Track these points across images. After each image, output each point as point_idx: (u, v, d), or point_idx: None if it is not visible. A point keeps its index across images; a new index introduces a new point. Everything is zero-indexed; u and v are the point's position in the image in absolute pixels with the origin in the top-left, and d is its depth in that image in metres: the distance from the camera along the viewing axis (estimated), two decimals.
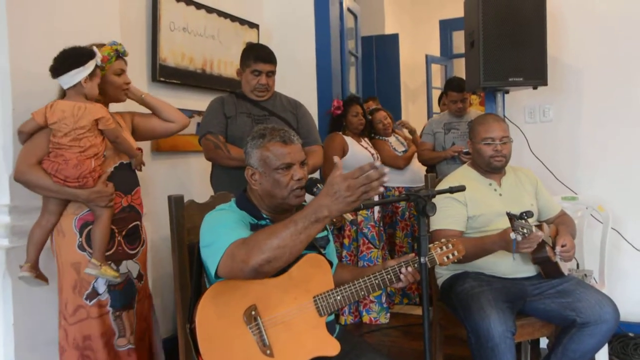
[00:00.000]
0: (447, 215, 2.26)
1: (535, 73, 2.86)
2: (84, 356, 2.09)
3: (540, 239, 2.03)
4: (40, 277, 2.12)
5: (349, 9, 4.42)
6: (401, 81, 6.45)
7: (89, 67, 2.05)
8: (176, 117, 2.40)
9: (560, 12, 3.12)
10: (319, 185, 1.71)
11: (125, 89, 2.28)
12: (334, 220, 3.56)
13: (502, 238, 2.06)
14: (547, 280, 2.26)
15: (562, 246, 2.22)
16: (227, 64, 3.63)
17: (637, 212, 3.03)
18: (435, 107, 5.68)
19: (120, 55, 2.22)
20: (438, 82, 6.74)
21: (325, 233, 1.87)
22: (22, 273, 2.07)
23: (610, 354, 2.66)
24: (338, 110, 3.75)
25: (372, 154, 3.78)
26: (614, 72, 3.06)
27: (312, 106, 3.74)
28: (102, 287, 2.12)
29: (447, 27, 6.79)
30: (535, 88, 2.96)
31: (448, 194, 1.94)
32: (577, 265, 2.84)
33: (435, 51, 6.86)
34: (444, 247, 1.83)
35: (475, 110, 4.07)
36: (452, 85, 3.82)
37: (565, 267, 2.32)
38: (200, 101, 3.33)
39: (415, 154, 4.06)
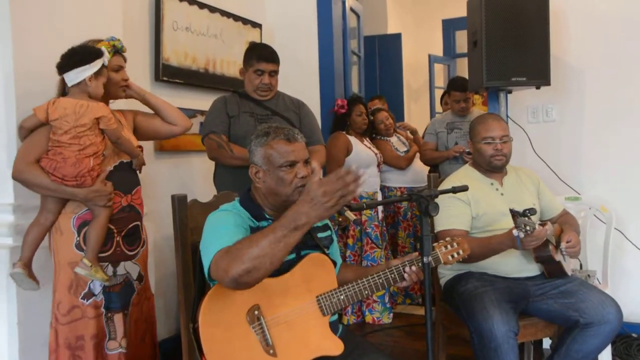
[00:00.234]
0: (452, 215, 2.26)
1: (538, 73, 2.86)
2: (75, 356, 2.06)
3: (545, 234, 2.03)
4: (32, 277, 2.09)
5: (351, 9, 4.41)
6: (404, 81, 6.45)
7: (95, 65, 2.04)
8: (178, 119, 2.38)
9: (563, 12, 3.11)
10: None
11: (124, 85, 2.25)
12: (339, 220, 3.56)
13: (508, 237, 2.07)
14: (550, 280, 2.25)
15: (568, 242, 2.21)
16: (230, 63, 3.64)
17: None
18: (438, 107, 5.67)
19: (118, 51, 2.19)
20: (441, 81, 6.73)
21: (328, 233, 1.87)
22: (15, 270, 2.06)
23: (613, 355, 2.66)
24: (342, 109, 3.75)
25: (376, 154, 3.78)
26: (617, 72, 3.06)
27: (314, 106, 3.74)
28: (97, 288, 2.10)
29: (449, 27, 6.78)
30: (538, 88, 2.96)
31: (452, 194, 1.93)
32: (580, 265, 2.84)
33: (438, 51, 6.85)
34: (449, 246, 1.82)
35: (478, 110, 4.07)
36: (455, 85, 3.82)
37: (569, 268, 2.31)
38: (203, 101, 3.34)
39: (418, 154, 4.05)
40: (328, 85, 4.05)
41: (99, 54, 2.06)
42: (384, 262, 3.58)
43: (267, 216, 1.73)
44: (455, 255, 1.81)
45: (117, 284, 2.15)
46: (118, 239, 2.15)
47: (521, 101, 3.26)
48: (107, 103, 2.23)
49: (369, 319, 3.61)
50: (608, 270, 2.78)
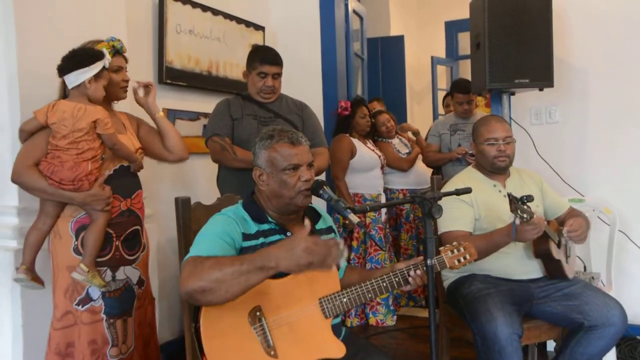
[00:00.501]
0: (455, 216, 2.26)
1: (541, 75, 2.85)
2: None
3: (544, 222, 2.02)
4: (36, 279, 2.09)
5: (354, 11, 4.42)
6: (406, 83, 6.45)
7: (95, 68, 2.03)
8: (176, 148, 2.33)
9: (566, 14, 3.11)
10: (325, 187, 1.71)
11: (124, 86, 2.23)
12: (346, 222, 3.57)
13: (509, 229, 2.05)
14: (554, 282, 2.25)
15: (570, 225, 2.19)
16: (233, 66, 3.65)
17: None
18: (441, 109, 5.68)
19: (118, 51, 2.17)
20: (443, 83, 6.73)
21: (332, 235, 1.87)
22: (18, 275, 2.06)
23: (618, 357, 2.65)
24: (346, 112, 3.75)
25: (379, 156, 3.78)
26: (620, 73, 3.05)
27: (317, 108, 3.75)
28: (96, 293, 2.07)
29: (452, 29, 6.78)
30: (541, 90, 2.95)
31: (455, 196, 1.93)
32: (584, 267, 2.83)
33: (441, 53, 6.85)
34: (455, 250, 1.80)
35: (481, 111, 4.06)
36: (458, 86, 3.82)
37: (571, 271, 2.31)
38: (206, 103, 3.35)
39: (420, 156, 4.05)
40: (331, 88, 4.05)
41: (99, 57, 2.05)
42: (387, 264, 3.58)
43: (270, 219, 1.73)
44: (462, 259, 1.79)
45: (117, 289, 2.13)
46: (117, 243, 2.13)
47: (524, 103, 3.26)
48: (109, 105, 2.23)
49: (372, 321, 3.61)
50: (612, 272, 2.77)
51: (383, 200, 3.78)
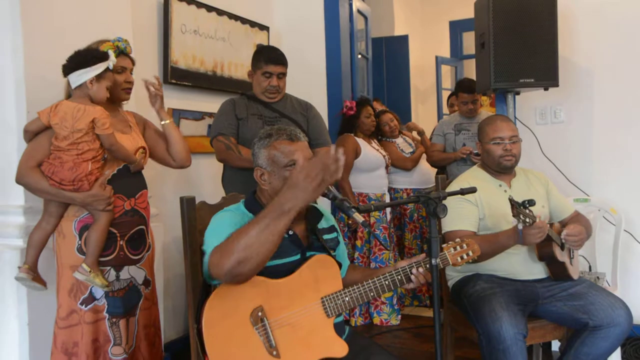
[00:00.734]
0: (459, 216, 2.25)
1: (546, 74, 2.85)
2: None
3: (545, 225, 2.02)
4: (38, 280, 2.09)
5: (358, 11, 4.42)
6: (411, 82, 6.44)
7: (97, 68, 2.02)
8: (180, 157, 2.33)
9: (572, 13, 3.10)
10: (330, 187, 1.71)
11: (125, 88, 2.21)
12: (350, 222, 3.57)
13: (514, 231, 2.06)
14: (559, 282, 2.24)
15: (570, 230, 2.18)
16: (238, 66, 3.65)
17: None
18: (445, 109, 5.67)
19: (122, 52, 2.16)
20: (448, 83, 6.73)
21: (334, 234, 1.87)
22: (19, 274, 2.06)
23: (623, 357, 2.64)
24: (351, 111, 3.75)
25: (384, 156, 3.78)
26: (626, 72, 3.04)
27: (322, 107, 3.75)
28: (99, 292, 2.07)
29: (457, 28, 6.77)
30: (546, 89, 2.95)
31: (460, 195, 1.93)
32: (590, 267, 2.82)
33: (445, 52, 6.85)
34: (458, 247, 1.78)
35: (485, 111, 4.06)
36: (463, 86, 3.81)
37: (576, 272, 2.30)
38: (211, 103, 3.36)
39: (425, 155, 4.05)
40: (335, 87, 4.06)
41: (103, 57, 2.04)
42: (392, 263, 3.57)
43: None
44: (465, 256, 1.77)
45: (120, 289, 2.13)
46: (121, 243, 2.13)
47: (529, 102, 3.25)
48: (115, 105, 2.23)
49: (376, 320, 3.61)
50: (617, 272, 2.76)
51: (387, 199, 3.78)
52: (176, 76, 3.20)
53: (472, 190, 1.89)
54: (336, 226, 1.92)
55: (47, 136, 2.03)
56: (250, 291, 1.57)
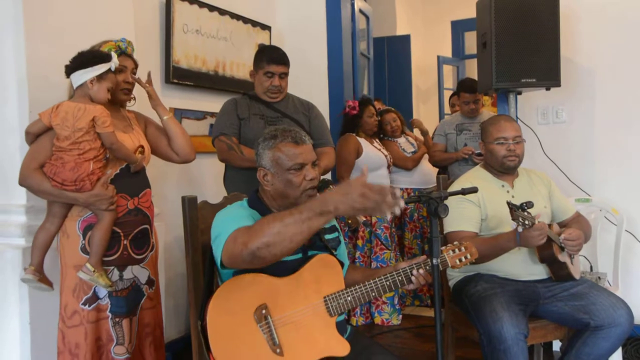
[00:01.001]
0: (462, 216, 2.26)
1: (548, 74, 2.85)
2: None
3: (545, 227, 2.01)
4: (44, 281, 2.10)
5: (360, 11, 4.42)
6: (413, 82, 6.45)
7: (98, 69, 2.02)
8: (183, 152, 2.32)
9: (574, 12, 3.10)
10: (331, 186, 1.72)
11: (124, 88, 2.20)
12: (350, 222, 3.57)
13: (515, 233, 2.05)
14: (560, 282, 2.24)
15: (568, 234, 2.18)
16: (240, 65, 3.66)
17: None
18: (447, 108, 5.66)
19: (123, 52, 2.16)
20: (450, 83, 6.72)
21: (336, 234, 1.88)
22: (26, 276, 2.06)
23: (624, 358, 2.64)
24: (354, 111, 3.75)
25: (386, 156, 3.78)
26: (628, 73, 3.04)
27: (323, 107, 3.75)
28: (103, 292, 2.08)
29: (458, 28, 6.77)
30: (548, 89, 2.95)
31: (462, 195, 1.93)
32: (591, 267, 2.83)
33: (447, 52, 6.85)
34: (457, 250, 1.82)
35: (487, 111, 4.06)
36: (465, 86, 3.81)
37: (577, 271, 2.30)
38: (213, 102, 3.36)
39: (426, 156, 4.05)
40: (337, 87, 4.06)
41: (105, 58, 2.04)
42: (393, 263, 3.58)
43: None
44: (464, 259, 1.81)
45: (124, 289, 2.13)
46: (125, 242, 2.12)
47: (531, 102, 3.25)
48: (116, 107, 2.22)
49: (377, 320, 3.61)
50: (619, 272, 2.76)
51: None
52: (178, 76, 3.20)
53: (474, 190, 1.89)
54: (337, 227, 1.93)
55: (48, 137, 2.03)
56: (254, 289, 1.59)
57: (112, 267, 2.10)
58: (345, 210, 1.45)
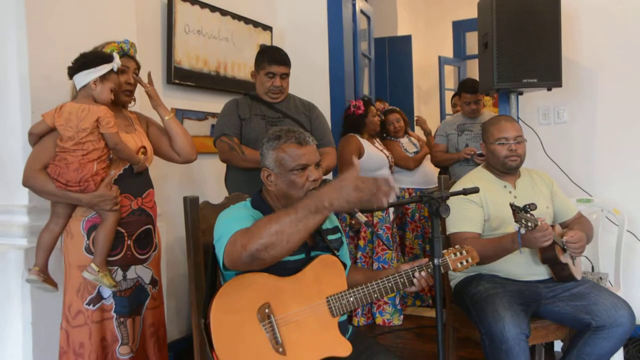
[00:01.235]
0: (465, 217, 2.25)
1: (549, 74, 2.84)
2: None
3: (549, 228, 2.01)
4: (49, 281, 2.10)
5: (361, 11, 4.43)
6: (414, 82, 6.44)
7: (100, 70, 2.03)
8: (185, 152, 2.33)
9: (575, 13, 3.10)
10: None
11: (125, 89, 2.21)
12: (352, 222, 3.57)
13: (517, 237, 2.05)
14: (562, 283, 2.24)
15: (570, 237, 2.18)
16: (241, 66, 3.66)
17: None
18: (448, 109, 5.67)
19: (125, 53, 2.17)
20: (451, 83, 6.72)
21: (338, 235, 1.88)
22: (30, 276, 2.07)
23: (625, 358, 2.64)
24: (359, 110, 3.75)
25: (387, 156, 3.78)
26: (629, 73, 3.03)
27: (325, 108, 3.75)
28: (107, 292, 2.09)
29: (460, 28, 6.76)
30: (549, 89, 2.95)
31: (465, 196, 1.93)
32: (592, 268, 2.82)
33: (448, 52, 6.84)
34: (458, 253, 1.83)
35: (488, 111, 4.06)
36: (466, 86, 3.81)
37: (579, 272, 2.30)
38: (214, 103, 3.37)
39: (428, 156, 4.05)
40: (338, 88, 4.06)
41: (107, 59, 2.05)
42: (395, 263, 3.58)
43: None
44: (465, 262, 1.82)
45: (127, 289, 2.14)
46: (129, 242, 2.13)
47: (532, 103, 3.25)
48: (118, 108, 2.23)
49: (379, 320, 3.61)
50: (620, 272, 2.76)
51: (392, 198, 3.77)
52: (179, 76, 3.21)
53: (475, 190, 1.89)
54: (339, 227, 1.93)
55: (52, 138, 2.04)
56: (257, 288, 1.59)
57: (115, 267, 2.11)
58: (340, 204, 1.45)
